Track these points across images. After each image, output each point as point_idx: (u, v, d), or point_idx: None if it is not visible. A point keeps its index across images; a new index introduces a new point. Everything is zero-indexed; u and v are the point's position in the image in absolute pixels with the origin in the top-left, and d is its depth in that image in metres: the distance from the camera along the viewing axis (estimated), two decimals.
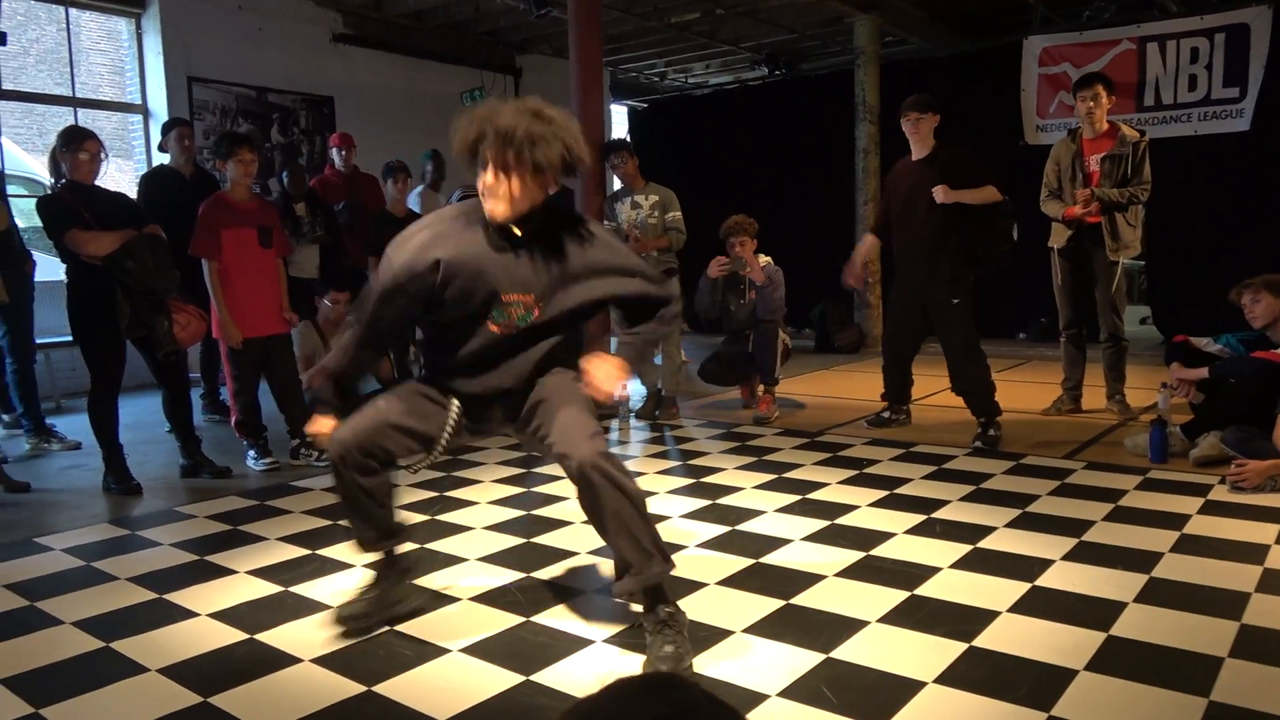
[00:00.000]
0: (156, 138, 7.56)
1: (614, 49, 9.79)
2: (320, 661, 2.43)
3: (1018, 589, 2.78)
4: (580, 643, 2.50)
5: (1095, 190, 4.84)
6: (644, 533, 2.35)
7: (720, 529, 3.44)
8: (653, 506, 3.76)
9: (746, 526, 3.47)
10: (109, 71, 7.55)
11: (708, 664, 2.36)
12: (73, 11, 7.31)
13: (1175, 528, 3.30)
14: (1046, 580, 2.85)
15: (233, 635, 2.61)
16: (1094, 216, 4.91)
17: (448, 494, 4.05)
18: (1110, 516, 3.46)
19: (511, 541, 3.37)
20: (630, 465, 4.51)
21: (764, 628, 2.56)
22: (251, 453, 4.65)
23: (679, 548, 3.25)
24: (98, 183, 4.21)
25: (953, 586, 2.82)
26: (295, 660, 2.44)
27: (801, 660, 2.35)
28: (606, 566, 3.07)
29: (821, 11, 8.66)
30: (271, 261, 4.69)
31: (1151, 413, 4.95)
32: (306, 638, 2.58)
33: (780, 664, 2.34)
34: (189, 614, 2.77)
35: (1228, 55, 7.51)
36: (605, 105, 9.31)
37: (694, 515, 3.64)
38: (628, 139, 9.52)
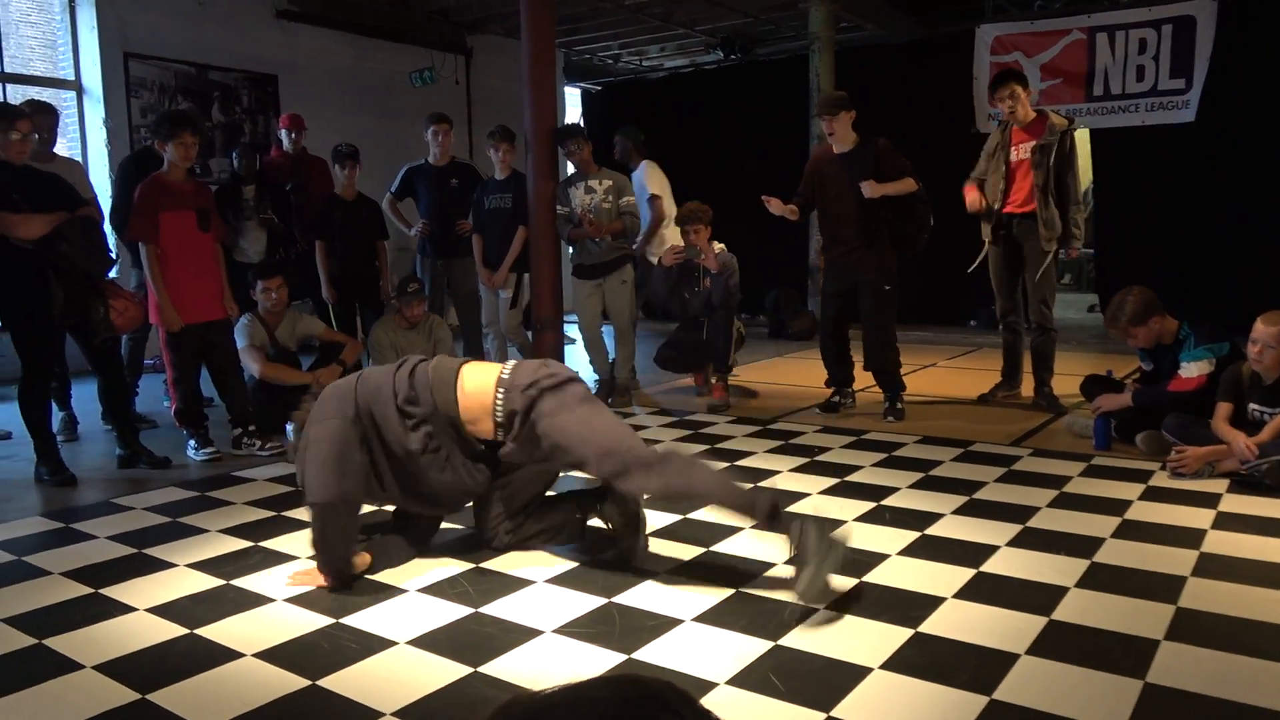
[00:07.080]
0: (91, 115, 7.34)
1: (567, 30, 9.68)
2: (263, 656, 2.38)
3: (963, 575, 2.82)
4: (529, 633, 2.48)
5: (1074, 235, 5.05)
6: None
7: (671, 518, 3.43)
8: None
9: (697, 515, 3.46)
10: (40, 45, 7.26)
11: (657, 653, 2.35)
12: None
13: (1117, 513, 3.37)
14: (991, 566, 2.89)
15: (172, 630, 2.55)
16: (1028, 206, 4.99)
17: None
18: (1054, 503, 3.52)
19: (460, 531, 3.33)
20: None
21: (713, 616, 2.56)
22: (192, 442, 4.54)
23: None
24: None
25: (900, 573, 2.85)
26: (237, 655, 2.39)
27: (750, 648, 2.36)
28: (555, 558, 3.05)
29: None
30: (210, 245, 4.56)
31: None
32: (249, 632, 2.52)
33: (729, 652, 2.34)
34: (126, 609, 2.70)
35: (1174, 46, 7.64)
36: (558, 88, 9.21)
37: (644, 504, 3.62)
38: (582, 124, 9.43)
